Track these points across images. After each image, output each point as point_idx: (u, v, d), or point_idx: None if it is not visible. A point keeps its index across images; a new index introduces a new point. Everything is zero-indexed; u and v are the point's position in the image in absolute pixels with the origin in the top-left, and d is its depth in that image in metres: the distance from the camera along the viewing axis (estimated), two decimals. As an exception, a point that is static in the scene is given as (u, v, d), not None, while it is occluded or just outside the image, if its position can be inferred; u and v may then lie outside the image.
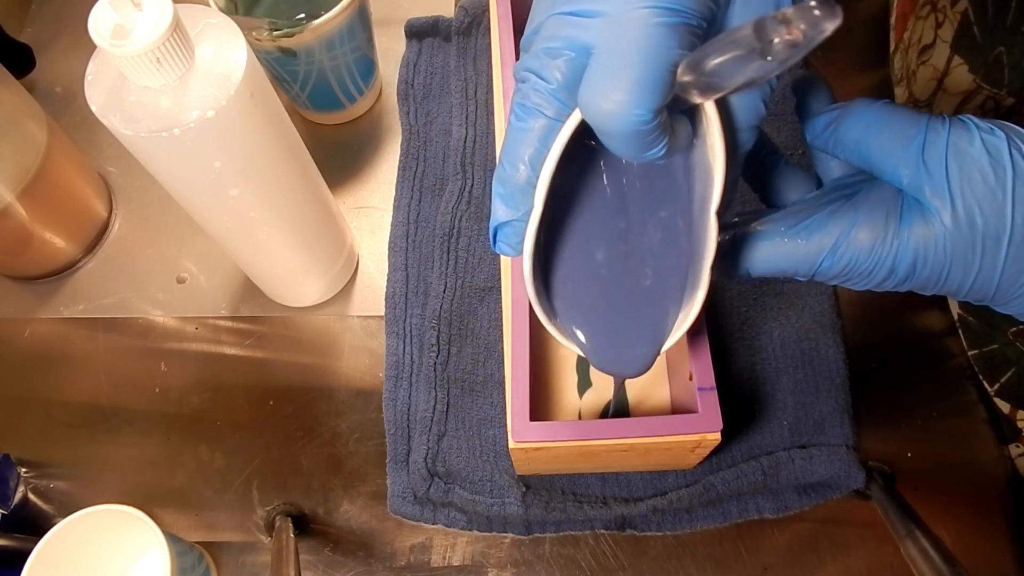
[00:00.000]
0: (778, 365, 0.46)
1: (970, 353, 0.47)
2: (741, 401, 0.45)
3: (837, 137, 0.28)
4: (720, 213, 0.27)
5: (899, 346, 0.48)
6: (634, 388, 0.44)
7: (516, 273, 0.41)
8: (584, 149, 0.30)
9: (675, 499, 0.43)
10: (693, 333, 0.38)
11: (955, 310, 0.49)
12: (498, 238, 0.28)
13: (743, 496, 0.44)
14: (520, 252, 0.28)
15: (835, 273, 0.28)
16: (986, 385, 0.46)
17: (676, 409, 0.43)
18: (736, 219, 0.30)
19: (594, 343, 0.32)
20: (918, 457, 0.46)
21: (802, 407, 0.45)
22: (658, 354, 0.32)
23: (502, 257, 0.41)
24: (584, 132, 0.26)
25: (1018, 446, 0.45)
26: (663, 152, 0.25)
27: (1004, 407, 0.45)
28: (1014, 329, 0.43)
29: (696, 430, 0.37)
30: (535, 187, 0.27)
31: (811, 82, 0.30)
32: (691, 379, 0.38)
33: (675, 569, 0.44)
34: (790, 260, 0.28)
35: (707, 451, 0.40)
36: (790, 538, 0.44)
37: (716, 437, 0.37)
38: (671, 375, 0.44)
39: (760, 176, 0.32)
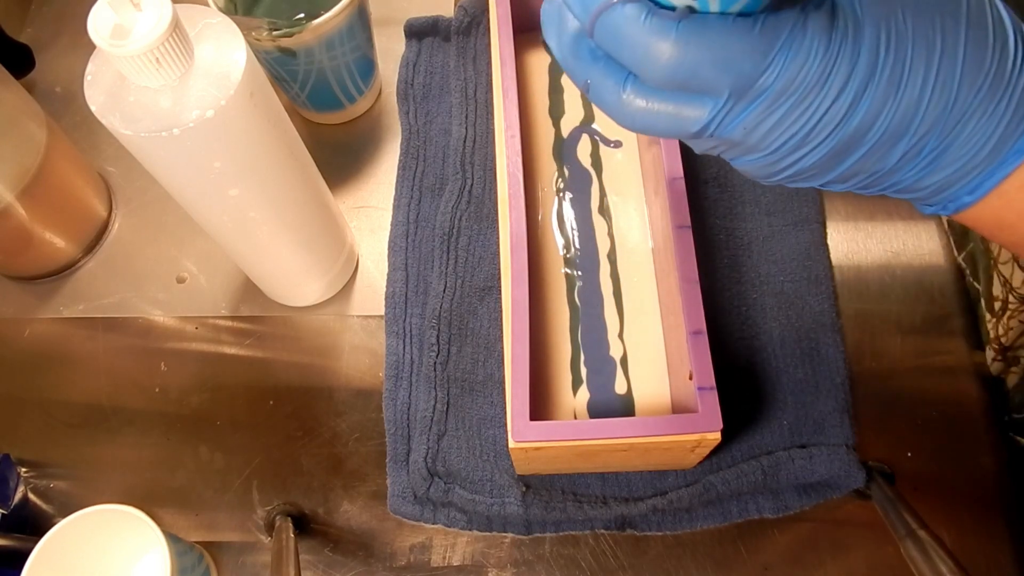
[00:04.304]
0: (778, 365, 0.46)
1: (959, 257, 0.49)
2: (741, 401, 0.45)
3: None
4: None
5: (899, 346, 0.48)
6: (635, 387, 0.44)
7: (516, 273, 0.41)
8: None
9: (675, 499, 0.43)
10: (693, 333, 0.38)
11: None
12: None
13: (743, 496, 0.44)
14: None
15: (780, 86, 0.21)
16: (976, 284, 0.48)
17: (676, 409, 0.43)
18: None
19: None
20: (918, 457, 0.46)
21: (802, 407, 0.45)
22: None
23: (502, 257, 0.41)
24: None
25: (990, 348, 0.46)
26: None
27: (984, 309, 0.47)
28: None
29: (696, 430, 0.37)
30: None
31: None
32: (691, 379, 0.38)
33: (675, 569, 0.44)
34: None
35: (707, 451, 0.40)
36: (790, 538, 0.44)
37: (716, 437, 0.37)
38: (671, 375, 0.44)
39: None
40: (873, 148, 0.22)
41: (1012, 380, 0.45)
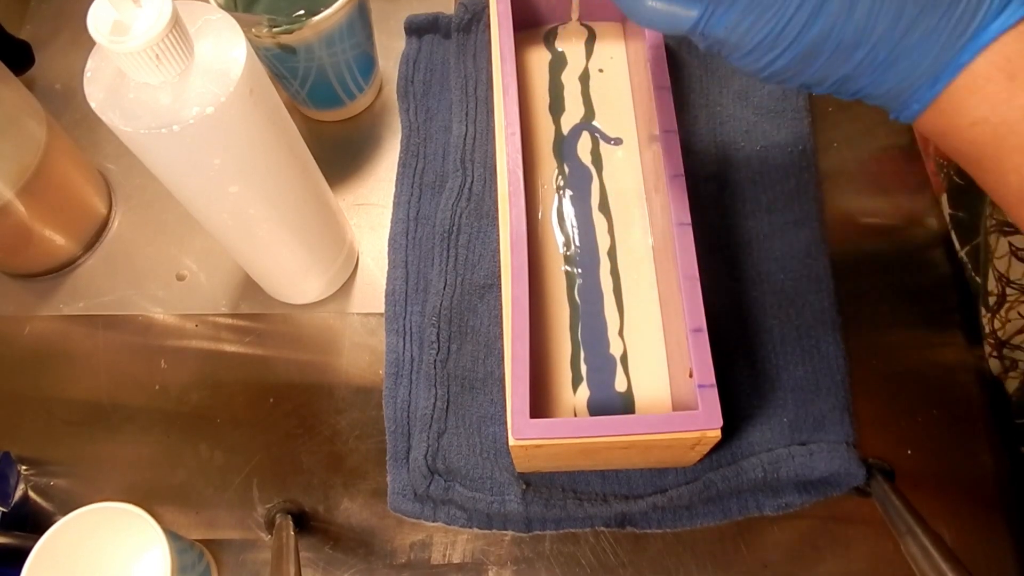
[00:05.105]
0: (778, 362, 0.46)
1: (962, 252, 0.49)
2: (741, 398, 0.45)
3: None
4: None
5: (899, 344, 0.48)
6: (636, 385, 0.44)
7: (516, 271, 0.41)
8: None
9: (675, 496, 0.43)
10: (693, 330, 0.38)
11: (946, 210, 0.50)
12: None
13: (743, 493, 0.44)
14: None
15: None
16: (977, 279, 0.48)
17: (676, 406, 0.43)
18: None
19: None
20: (918, 454, 0.46)
21: (802, 404, 0.45)
22: None
23: (502, 255, 0.41)
24: None
25: (985, 344, 0.46)
26: None
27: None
28: (988, 213, 0.45)
29: (696, 427, 0.37)
30: None
31: None
32: (691, 376, 0.38)
33: (675, 566, 0.44)
34: None
35: (707, 448, 0.40)
36: (790, 535, 0.44)
37: (716, 434, 0.37)
38: (671, 372, 0.44)
39: None
40: (834, 55, 0.27)
41: (1012, 385, 0.45)
